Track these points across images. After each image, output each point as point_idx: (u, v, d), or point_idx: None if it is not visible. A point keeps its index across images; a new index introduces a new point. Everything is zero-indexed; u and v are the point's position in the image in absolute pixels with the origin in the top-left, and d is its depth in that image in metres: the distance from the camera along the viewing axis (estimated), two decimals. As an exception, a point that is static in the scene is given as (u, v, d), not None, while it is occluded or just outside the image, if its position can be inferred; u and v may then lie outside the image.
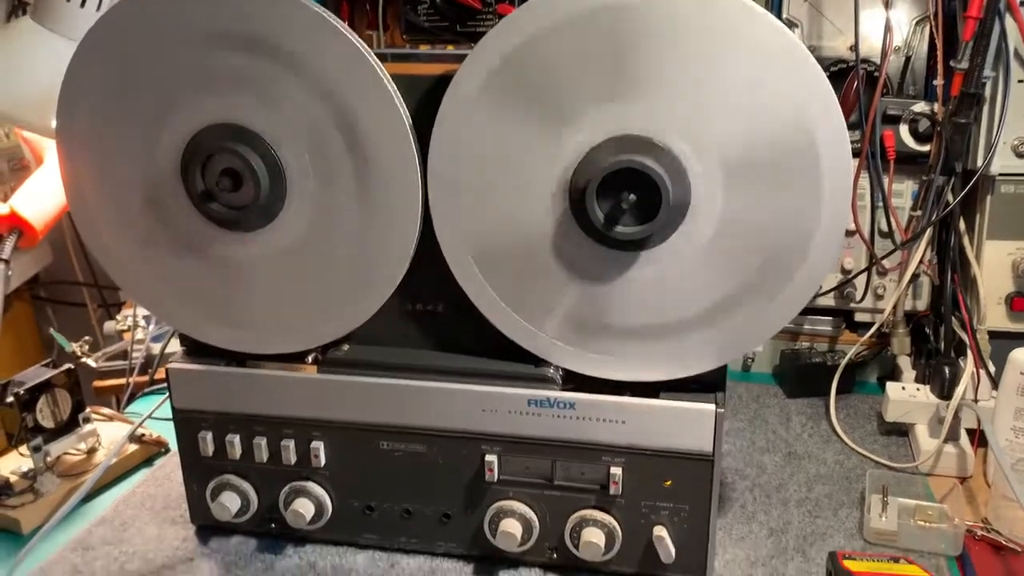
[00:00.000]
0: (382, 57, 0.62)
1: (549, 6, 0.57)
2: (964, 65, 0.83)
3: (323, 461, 0.71)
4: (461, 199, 0.63)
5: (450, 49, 1.05)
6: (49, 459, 0.83)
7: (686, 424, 0.65)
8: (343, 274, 0.66)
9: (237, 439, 0.72)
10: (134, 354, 1.07)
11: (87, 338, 1.04)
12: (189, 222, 0.66)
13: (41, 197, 0.95)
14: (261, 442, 0.72)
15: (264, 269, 0.67)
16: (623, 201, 0.58)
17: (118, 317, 1.13)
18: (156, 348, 1.07)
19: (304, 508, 0.71)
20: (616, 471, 0.66)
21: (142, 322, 1.09)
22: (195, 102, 0.63)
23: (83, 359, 1.02)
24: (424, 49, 1.09)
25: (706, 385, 0.66)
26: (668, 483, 0.67)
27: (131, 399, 1.06)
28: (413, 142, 0.62)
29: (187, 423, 0.74)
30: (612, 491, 0.67)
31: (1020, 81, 0.85)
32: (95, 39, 0.64)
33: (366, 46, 0.61)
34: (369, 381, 0.69)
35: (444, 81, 0.61)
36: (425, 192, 0.63)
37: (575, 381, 0.67)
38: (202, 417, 0.73)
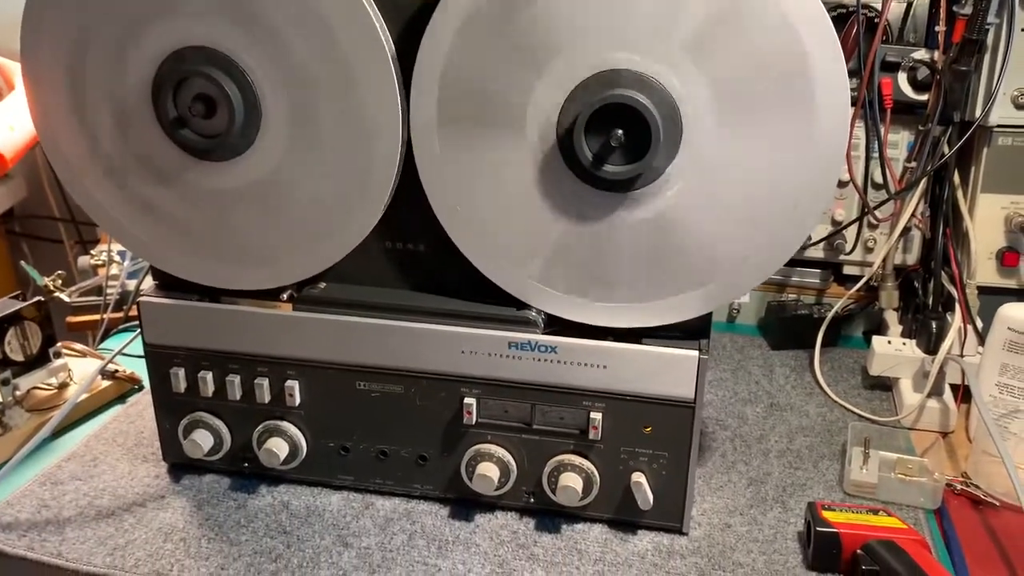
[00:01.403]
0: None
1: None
2: (967, 11, 0.81)
3: (298, 400, 0.70)
4: (444, 133, 0.60)
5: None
6: (18, 393, 0.81)
7: (669, 369, 0.64)
8: (320, 209, 0.64)
9: (210, 376, 0.71)
10: (109, 290, 1.04)
11: (60, 272, 1.01)
12: (160, 150, 0.64)
13: (11, 124, 0.92)
14: (235, 380, 0.70)
15: (238, 201, 0.65)
16: (612, 138, 0.56)
17: (93, 252, 1.10)
18: (131, 284, 1.05)
19: (278, 447, 0.70)
20: (596, 416, 0.65)
21: (117, 258, 1.06)
22: (166, 24, 0.60)
23: (55, 293, 1.00)
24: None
25: (690, 332, 0.64)
26: (648, 429, 0.66)
27: (105, 335, 1.04)
28: (395, 72, 0.59)
29: (159, 359, 0.72)
30: (591, 436, 0.66)
31: (1023, 29, 0.83)
32: (60, -48, 0.60)
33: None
34: (346, 320, 0.67)
35: (429, 7, 0.58)
36: (407, 125, 0.61)
37: (557, 325, 0.65)
38: (174, 353, 0.71)
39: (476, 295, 0.66)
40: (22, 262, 1.04)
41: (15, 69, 0.98)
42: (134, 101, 0.62)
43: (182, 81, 0.60)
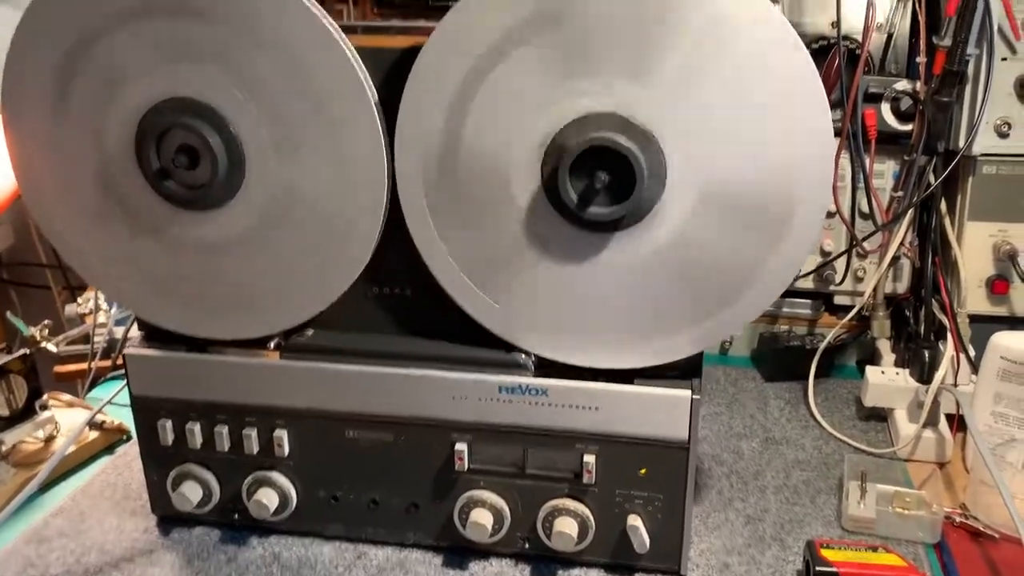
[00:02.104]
0: (352, 30, 0.59)
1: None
2: (947, 42, 0.81)
3: (287, 450, 0.69)
4: (429, 177, 0.60)
5: (421, 22, 1.02)
6: (4, 448, 0.80)
7: (661, 411, 0.63)
8: (306, 256, 0.63)
9: (198, 427, 0.70)
10: (96, 338, 1.04)
11: (47, 322, 1.00)
12: (144, 202, 0.63)
13: (-6, 175, 0.91)
14: (223, 430, 0.69)
15: (223, 250, 0.64)
16: (596, 181, 0.56)
17: (80, 300, 1.10)
18: (119, 332, 1.04)
19: (268, 498, 0.69)
20: (589, 459, 0.65)
21: (104, 305, 1.05)
22: (148, 75, 0.60)
23: (42, 343, 0.99)
24: (395, 22, 1.06)
25: (682, 371, 0.64)
26: (643, 471, 0.65)
27: (94, 384, 1.03)
28: (379, 119, 0.59)
29: (146, 411, 0.71)
30: (585, 480, 0.65)
31: (1003, 59, 0.84)
32: (39, 8, 0.60)
33: (330, 18, 0.58)
34: (334, 368, 0.66)
35: (411, 54, 0.58)
36: (392, 170, 0.60)
37: (548, 367, 0.65)
38: (161, 404, 0.70)
39: (465, 338, 0.65)
40: (8, 313, 1.04)
41: (-1, 120, 0.97)
42: (117, 152, 0.62)
43: (165, 132, 0.60)
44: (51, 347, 1.01)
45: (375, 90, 0.59)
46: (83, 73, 0.61)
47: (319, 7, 0.58)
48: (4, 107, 0.63)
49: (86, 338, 1.05)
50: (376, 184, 0.60)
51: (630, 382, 0.64)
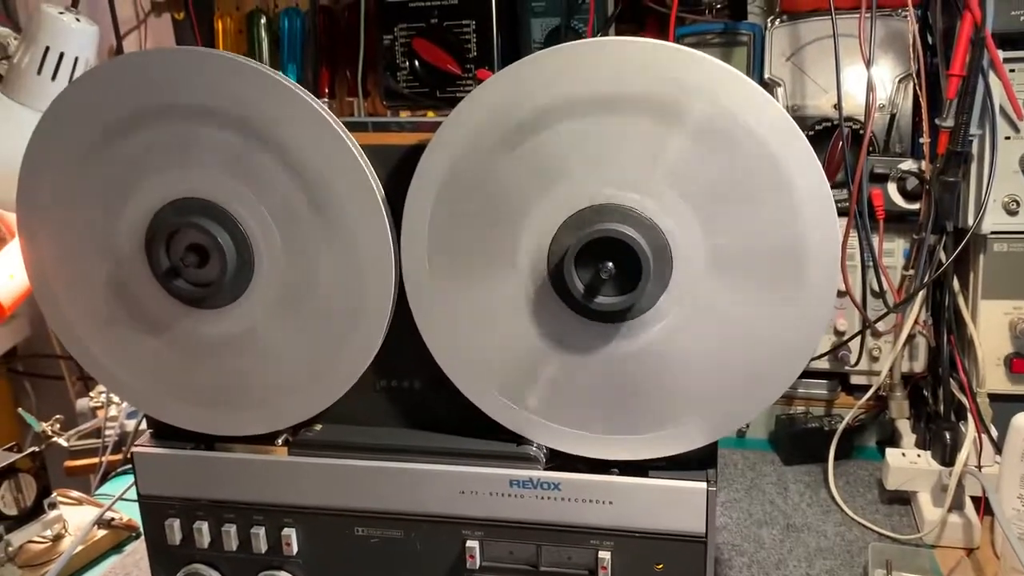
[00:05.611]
0: (362, 126, 0.60)
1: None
2: (949, 124, 0.82)
3: (295, 549, 0.68)
4: (435, 273, 0.60)
5: (430, 116, 1.04)
6: (10, 549, 0.79)
7: (676, 504, 0.61)
8: (314, 351, 0.63)
9: (205, 526, 0.69)
10: (108, 431, 1.03)
11: (58, 417, 1.00)
12: (153, 301, 0.64)
13: (11, 272, 0.92)
14: (230, 529, 0.68)
15: (231, 347, 0.64)
16: (602, 271, 0.56)
17: (92, 394, 1.10)
18: (131, 424, 1.04)
19: (276, 599, 0.68)
20: (605, 555, 0.63)
21: (116, 398, 1.05)
22: (159, 177, 0.61)
23: (53, 438, 0.98)
24: (404, 116, 1.08)
25: (697, 461, 0.62)
26: (660, 567, 0.63)
27: (104, 479, 1.02)
28: (386, 216, 0.59)
29: (154, 510, 0.70)
30: (601, 576, 0.63)
31: (1007, 138, 0.84)
32: (56, 113, 0.62)
33: (336, 118, 0.59)
34: (342, 463, 0.65)
35: (418, 151, 0.59)
36: (399, 266, 0.61)
37: (559, 460, 0.63)
38: (169, 504, 0.69)
39: (475, 431, 0.64)
40: (19, 409, 1.04)
41: (14, 218, 0.99)
42: (127, 253, 0.63)
43: (175, 232, 0.61)
44: (62, 442, 1.00)
45: (382, 187, 0.60)
46: (96, 175, 0.62)
47: (326, 108, 0.59)
48: (19, 206, 0.64)
49: (98, 432, 1.05)
50: (383, 279, 0.61)
51: (644, 474, 0.62)
